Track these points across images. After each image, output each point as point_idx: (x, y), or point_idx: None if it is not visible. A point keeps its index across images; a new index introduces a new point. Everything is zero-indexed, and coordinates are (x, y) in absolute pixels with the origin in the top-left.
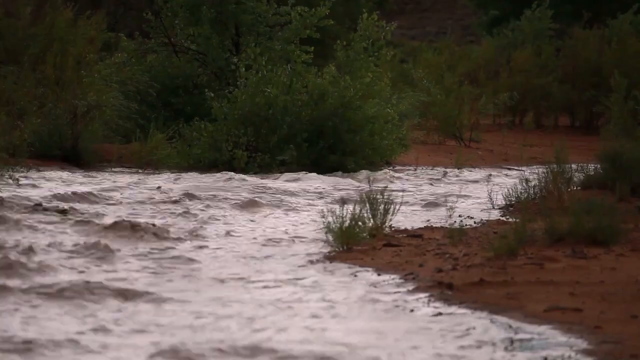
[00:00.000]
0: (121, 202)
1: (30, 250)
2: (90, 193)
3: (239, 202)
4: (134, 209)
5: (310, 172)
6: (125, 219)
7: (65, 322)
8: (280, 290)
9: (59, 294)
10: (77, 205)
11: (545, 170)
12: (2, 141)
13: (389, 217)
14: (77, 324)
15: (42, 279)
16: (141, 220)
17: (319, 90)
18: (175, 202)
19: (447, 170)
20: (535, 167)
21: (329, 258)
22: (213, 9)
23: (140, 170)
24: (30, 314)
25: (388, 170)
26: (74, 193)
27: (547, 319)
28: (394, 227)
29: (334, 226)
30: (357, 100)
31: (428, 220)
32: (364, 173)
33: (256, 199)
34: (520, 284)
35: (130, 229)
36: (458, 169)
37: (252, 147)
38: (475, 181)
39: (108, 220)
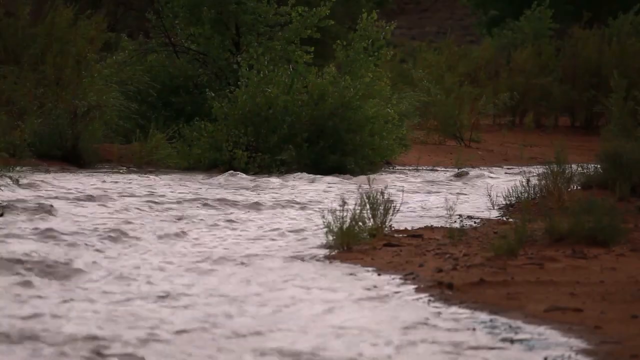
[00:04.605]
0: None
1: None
2: None
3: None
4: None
5: (310, 172)
6: None
7: None
8: (280, 291)
9: None
10: None
11: (545, 170)
12: (2, 141)
13: (389, 217)
14: None
15: None
16: None
17: (319, 90)
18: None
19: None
20: (535, 166)
21: (329, 258)
22: (214, 9)
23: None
24: None
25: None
26: None
27: (547, 319)
28: (393, 227)
29: (334, 226)
30: (357, 100)
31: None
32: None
33: (257, 200)
34: (520, 284)
35: None
36: (458, 168)
37: (252, 147)
38: None
39: None
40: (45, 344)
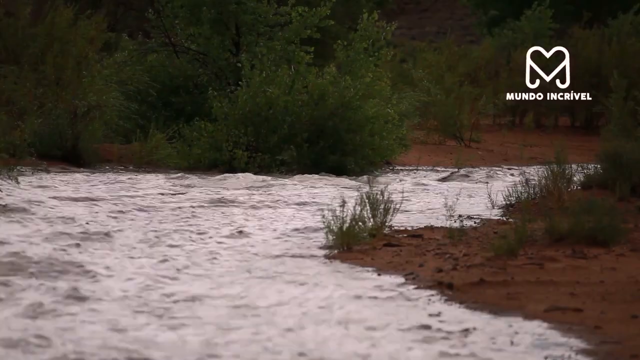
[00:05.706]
0: None
1: None
2: None
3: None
4: None
5: (310, 172)
6: None
7: None
8: (277, 291)
9: None
10: None
11: (545, 170)
12: (2, 141)
13: (389, 217)
14: None
15: None
16: None
17: (319, 90)
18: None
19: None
20: (535, 166)
21: (329, 258)
22: (214, 9)
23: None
24: None
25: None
26: None
27: (547, 319)
28: (394, 227)
29: (334, 226)
30: (357, 100)
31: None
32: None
33: (256, 199)
34: (520, 284)
35: None
36: (458, 168)
37: (252, 147)
38: None
39: None
40: None
